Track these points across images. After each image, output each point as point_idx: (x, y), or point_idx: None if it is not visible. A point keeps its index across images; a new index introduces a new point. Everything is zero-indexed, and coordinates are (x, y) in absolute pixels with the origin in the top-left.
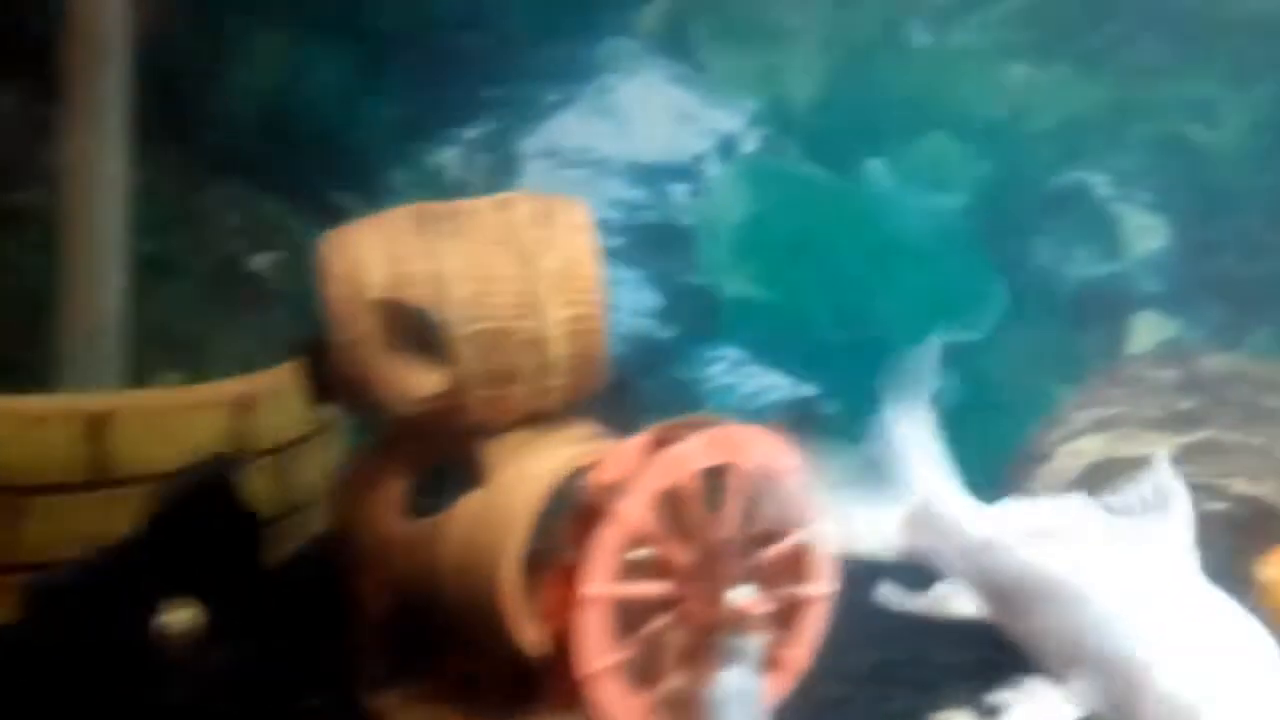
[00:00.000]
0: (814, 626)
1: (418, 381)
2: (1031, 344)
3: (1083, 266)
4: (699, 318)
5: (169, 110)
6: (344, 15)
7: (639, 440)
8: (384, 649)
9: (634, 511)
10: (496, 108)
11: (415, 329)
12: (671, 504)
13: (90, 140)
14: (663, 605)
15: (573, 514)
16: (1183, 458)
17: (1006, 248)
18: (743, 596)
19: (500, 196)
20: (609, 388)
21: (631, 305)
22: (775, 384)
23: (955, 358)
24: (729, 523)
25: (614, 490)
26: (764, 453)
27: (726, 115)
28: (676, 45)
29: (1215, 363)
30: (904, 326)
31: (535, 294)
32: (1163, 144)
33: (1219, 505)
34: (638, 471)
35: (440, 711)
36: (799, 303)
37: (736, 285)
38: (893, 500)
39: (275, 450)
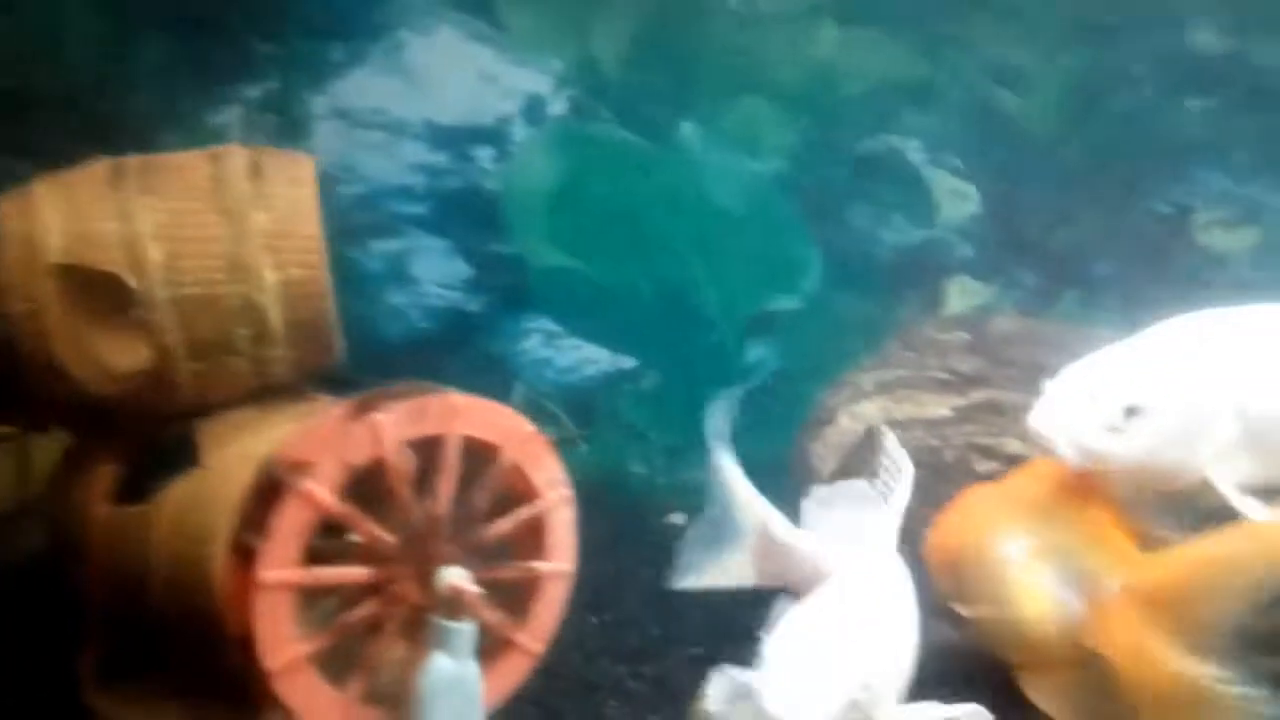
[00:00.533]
0: (551, 607)
1: (115, 357)
2: (849, 310)
3: (898, 232)
4: (509, 288)
5: None
6: None
7: (335, 412)
8: (103, 644)
9: (320, 490)
10: (279, 64)
11: (107, 297)
12: (373, 480)
13: None
14: (367, 591)
15: (255, 494)
16: (960, 418)
17: (823, 213)
18: (454, 578)
19: (215, 149)
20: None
21: (437, 276)
22: (593, 357)
23: (773, 325)
24: (441, 499)
25: (301, 467)
26: (485, 422)
27: (531, 76)
28: (476, 2)
29: (1003, 324)
30: (722, 295)
31: (245, 255)
32: (973, 110)
33: (991, 465)
34: (329, 446)
35: (160, 709)
36: (614, 272)
37: (548, 254)
38: (736, 538)
39: None
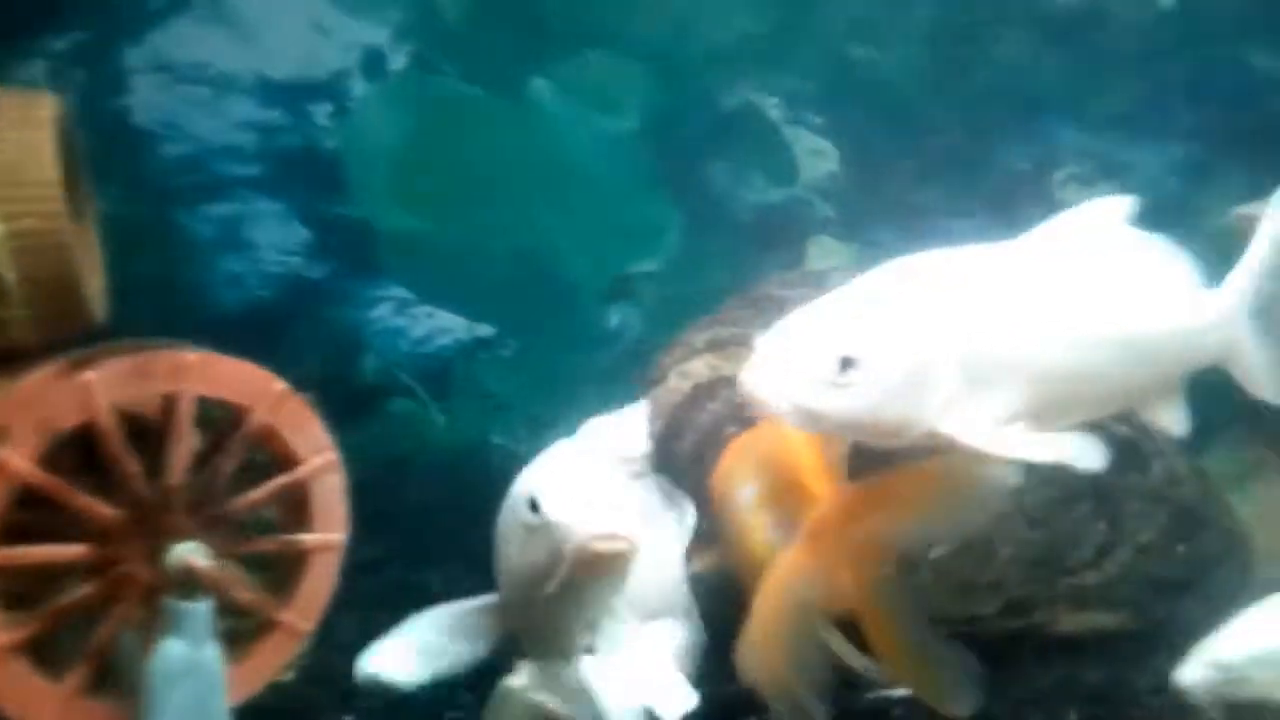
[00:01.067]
0: (321, 582)
1: None
2: (710, 272)
3: (758, 192)
4: (355, 254)
5: None
6: None
7: (40, 371)
8: None
9: (15, 458)
10: (89, 13)
11: None
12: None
13: None
14: (89, 571)
15: None
16: None
17: (681, 173)
18: (188, 554)
19: None
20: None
21: (275, 241)
22: (448, 325)
23: (633, 288)
24: (174, 468)
25: None
26: (226, 381)
27: (369, 28)
28: None
29: (844, 280)
30: (580, 257)
31: None
32: (831, 66)
33: None
34: (28, 408)
35: None
36: (466, 235)
37: (395, 217)
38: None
39: None
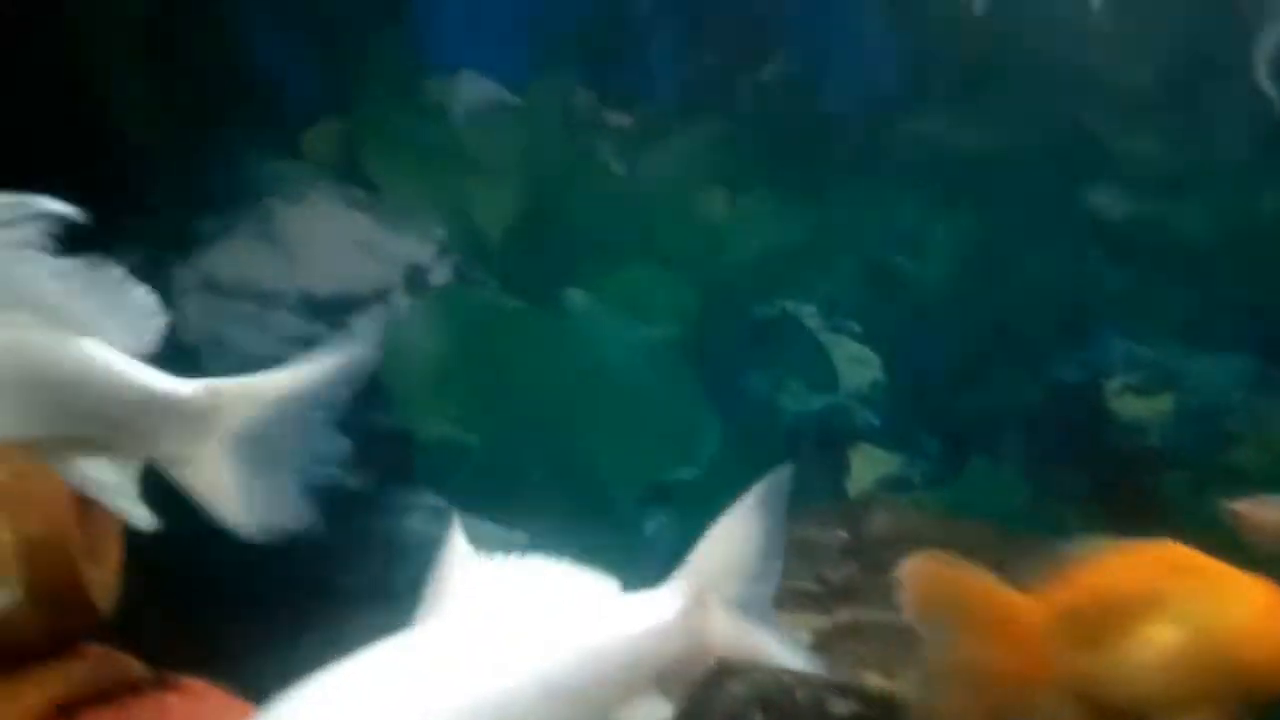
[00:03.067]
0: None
1: None
2: (750, 480)
3: (798, 399)
4: (393, 463)
5: None
6: None
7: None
8: None
9: None
10: (145, 236)
11: None
12: None
13: None
14: None
15: None
16: (820, 646)
17: (719, 381)
18: None
19: None
20: None
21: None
22: (484, 534)
23: (670, 496)
24: None
25: None
26: None
27: (412, 244)
28: (349, 169)
29: (884, 523)
30: (617, 465)
31: None
32: (869, 274)
33: (850, 706)
34: None
35: None
36: (503, 444)
37: (433, 426)
38: None
39: None
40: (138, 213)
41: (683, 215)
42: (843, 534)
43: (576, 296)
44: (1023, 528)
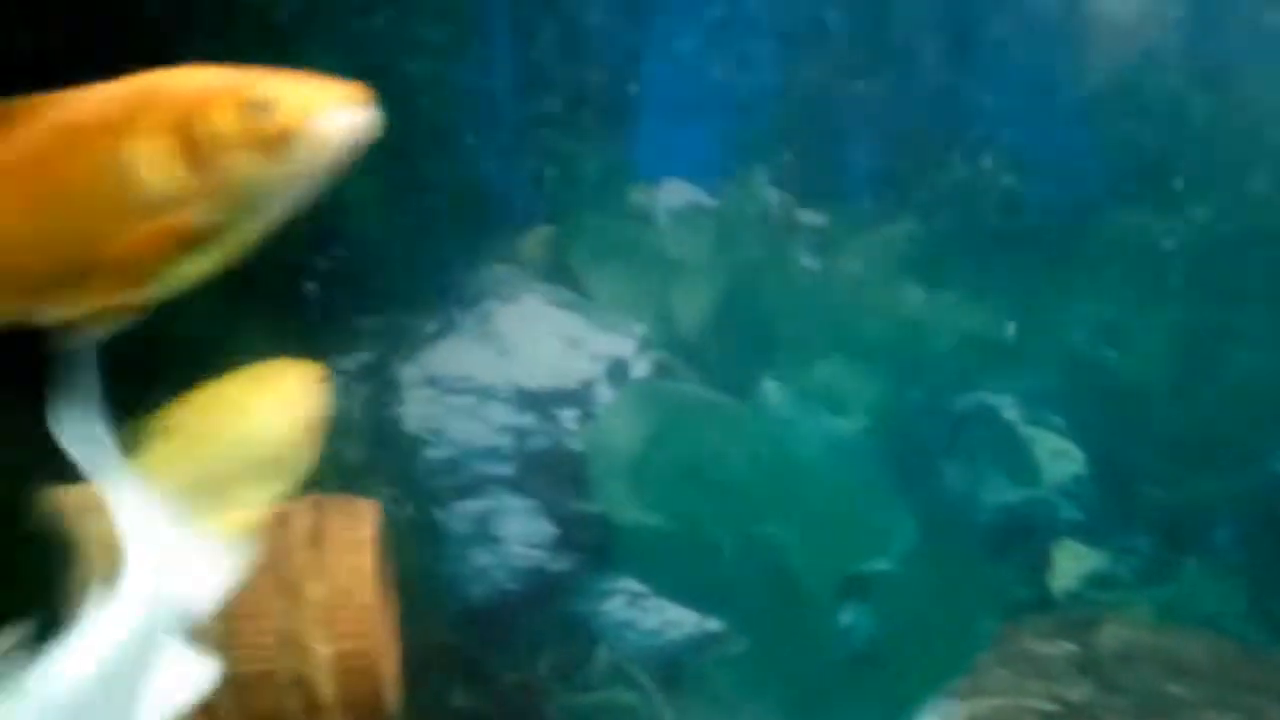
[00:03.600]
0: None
1: None
2: (947, 574)
3: (997, 492)
4: (593, 548)
5: None
6: None
7: None
8: None
9: None
10: (374, 337)
11: None
12: None
13: None
14: None
15: None
16: None
17: (914, 472)
18: None
19: (281, 509)
20: None
21: (522, 536)
22: (679, 619)
23: (867, 588)
24: None
25: None
26: None
27: (615, 340)
28: (559, 271)
29: (1115, 635)
30: (811, 555)
31: (298, 630)
32: (1071, 367)
33: None
34: None
35: None
36: (699, 531)
37: (632, 513)
38: None
39: None
40: (368, 313)
41: (878, 309)
42: (1069, 646)
43: (772, 388)
44: (1244, 631)
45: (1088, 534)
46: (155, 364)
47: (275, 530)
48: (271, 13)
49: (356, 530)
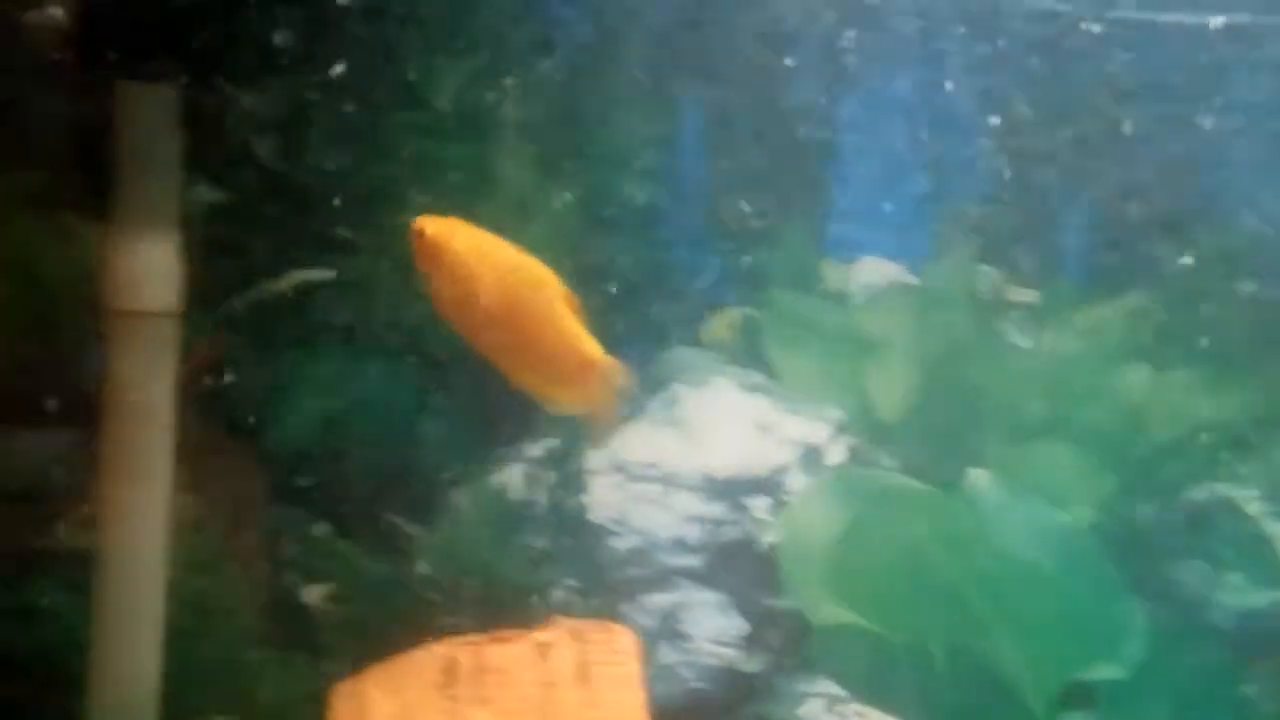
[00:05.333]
0: None
1: None
2: (1183, 686)
3: (1238, 595)
4: (788, 647)
5: (220, 442)
6: (402, 337)
7: None
8: None
9: None
10: (560, 424)
11: None
12: None
13: (133, 485)
14: None
15: None
16: None
17: (1145, 571)
18: None
19: (539, 638)
20: None
21: (712, 633)
22: None
23: (1095, 699)
24: None
25: None
26: None
27: (808, 425)
28: (748, 354)
29: None
30: (1027, 660)
31: None
32: None
33: None
34: None
35: None
36: (902, 631)
37: (829, 611)
38: None
39: None
40: None
41: (1098, 392)
42: None
43: (981, 478)
44: None
45: None
46: None
47: (538, 663)
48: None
49: (623, 664)
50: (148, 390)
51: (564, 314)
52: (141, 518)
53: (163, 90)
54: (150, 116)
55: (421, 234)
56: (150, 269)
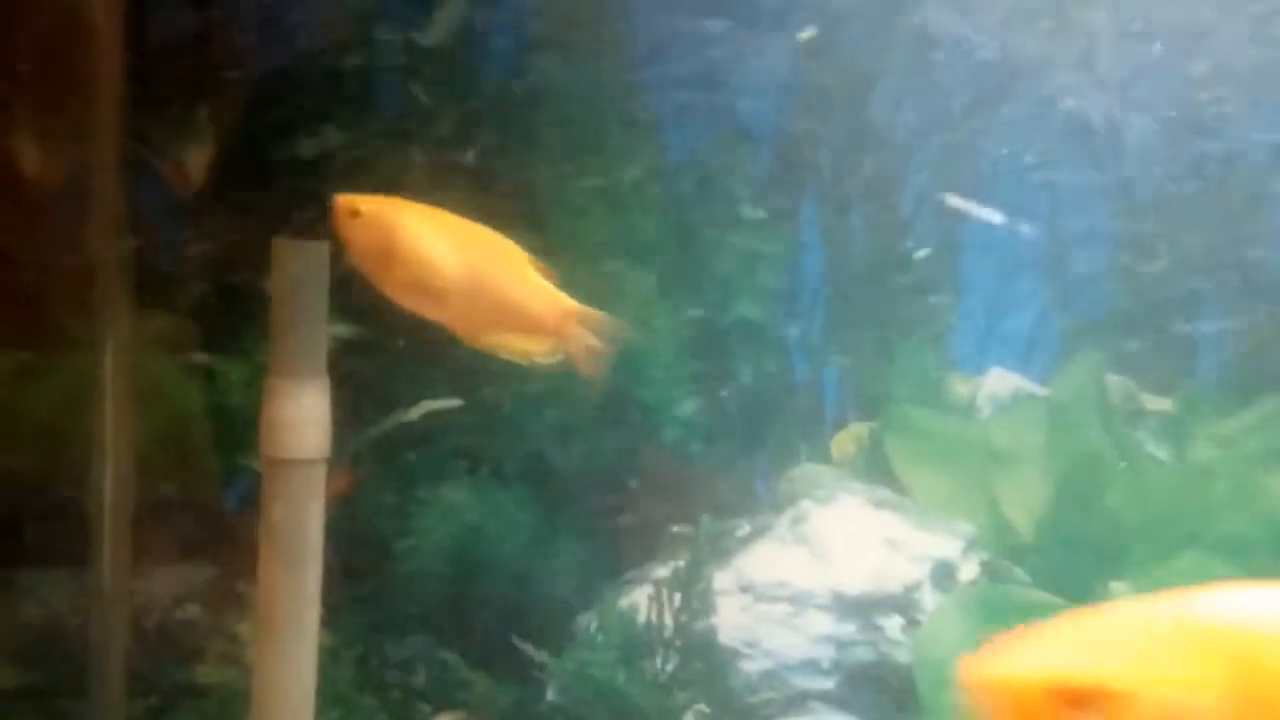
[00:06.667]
0: None
1: None
2: None
3: None
4: None
5: (354, 574)
6: (525, 461)
7: None
8: None
9: None
10: (686, 544)
11: None
12: None
13: (287, 626)
14: None
15: None
16: None
17: None
18: None
19: None
20: None
21: None
22: None
23: None
24: None
25: None
26: None
27: (939, 540)
28: (875, 469)
29: None
30: None
31: None
32: None
33: None
34: None
35: None
36: None
37: None
38: None
39: None
40: (686, 522)
41: (1243, 500)
42: None
43: (1121, 590)
44: None
45: None
46: None
47: None
48: None
49: None
50: (301, 533)
51: (531, 273)
52: (294, 659)
53: (316, 245)
54: (302, 268)
55: (356, 215)
56: (303, 418)
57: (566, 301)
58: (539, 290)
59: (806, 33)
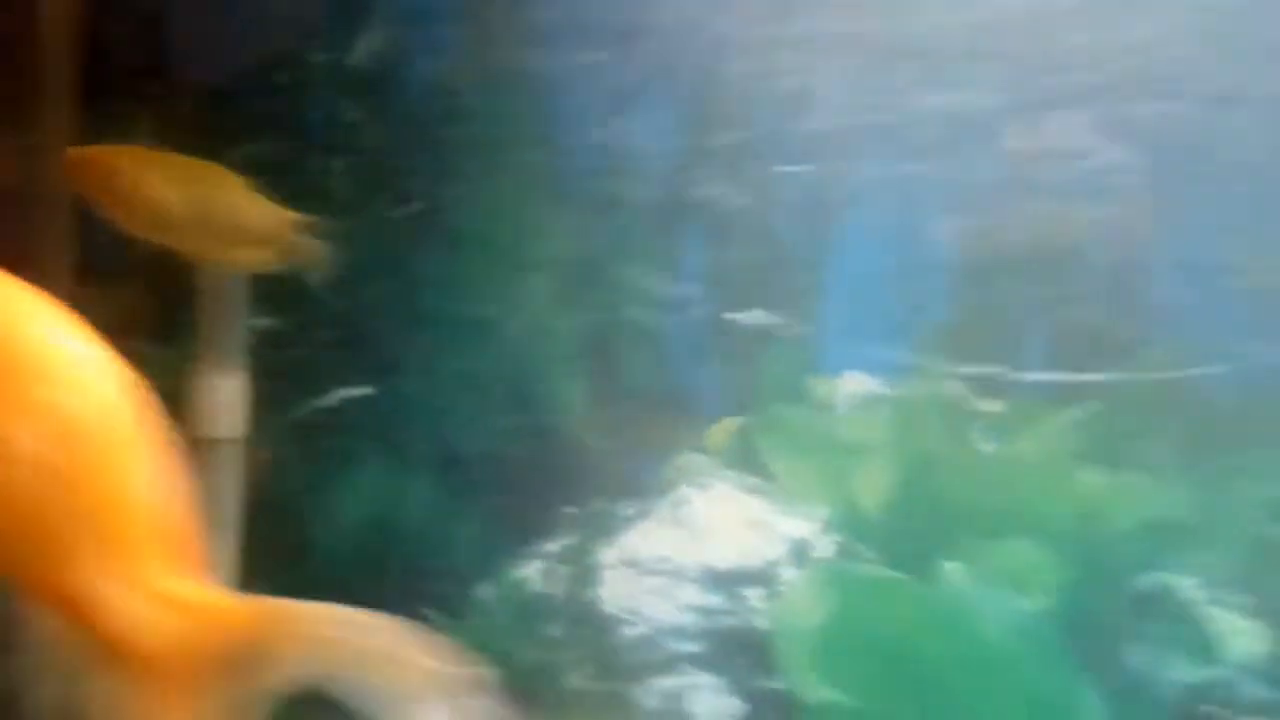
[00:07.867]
0: None
1: None
2: None
3: (1179, 672)
4: None
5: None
6: (432, 446)
7: None
8: None
9: None
10: (577, 523)
11: None
12: None
13: None
14: None
15: None
16: None
17: (1097, 652)
18: None
19: None
20: None
21: (710, 712)
22: None
23: None
24: None
25: None
26: None
27: (798, 523)
28: (746, 458)
29: None
30: None
31: None
32: (1253, 547)
33: None
34: None
35: None
36: (884, 707)
37: (818, 690)
38: None
39: None
40: (576, 504)
41: (1056, 492)
42: None
43: (954, 569)
44: None
45: (1275, 711)
46: None
47: None
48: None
49: None
50: (220, 507)
51: (251, 194)
52: None
53: None
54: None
55: (85, 163)
56: (224, 401)
57: (284, 213)
58: (259, 207)
59: None
